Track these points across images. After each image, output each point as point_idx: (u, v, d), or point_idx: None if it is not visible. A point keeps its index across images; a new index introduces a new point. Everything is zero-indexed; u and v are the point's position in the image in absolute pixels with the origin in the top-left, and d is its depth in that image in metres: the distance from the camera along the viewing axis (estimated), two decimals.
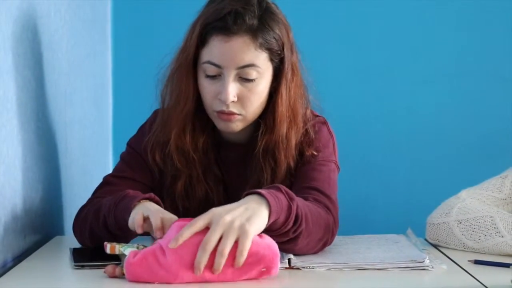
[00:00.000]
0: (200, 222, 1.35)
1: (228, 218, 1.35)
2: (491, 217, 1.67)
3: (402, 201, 2.66)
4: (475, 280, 1.43)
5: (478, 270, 1.51)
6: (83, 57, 2.30)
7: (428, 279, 1.47)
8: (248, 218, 1.36)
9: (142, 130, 1.77)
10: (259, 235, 1.38)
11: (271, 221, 1.41)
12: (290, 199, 1.47)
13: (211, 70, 1.62)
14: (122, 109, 2.77)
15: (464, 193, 1.76)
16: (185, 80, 1.66)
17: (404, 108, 2.77)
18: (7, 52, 1.54)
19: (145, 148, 1.72)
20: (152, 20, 2.75)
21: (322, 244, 1.59)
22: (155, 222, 1.44)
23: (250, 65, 1.61)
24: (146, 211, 1.48)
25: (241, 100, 1.63)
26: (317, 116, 1.77)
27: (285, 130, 1.68)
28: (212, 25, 1.61)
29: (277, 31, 1.64)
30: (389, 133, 2.75)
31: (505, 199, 1.76)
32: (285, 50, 1.65)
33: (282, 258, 1.45)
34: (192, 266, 1.32)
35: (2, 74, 1.51)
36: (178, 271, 1.32)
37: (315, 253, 1.59)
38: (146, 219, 1.47)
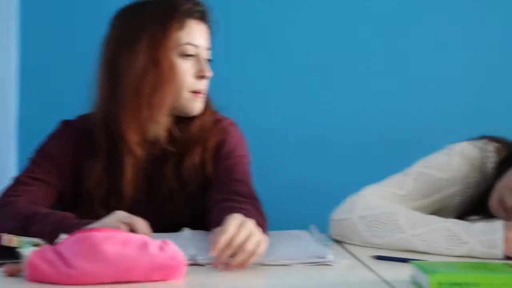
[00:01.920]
0: (232, 225, 1.47)
1: (252, 225, 1.50)
2: (392, 213, 1.71)
3: (306, 198, 2.67)
4: (376, 276, 1.46)
5: (379, 265, 1.54)
6: None
7: (330, 274, 1.49)
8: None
9: (53, 137, 1.83)
10: (163, 242, 1.39)
11: None
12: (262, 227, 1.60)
13: (192, 50, 1.80)
14: (28, 108, 2.67)
15: (366, 190, 1.80)
16: (168, 62, 1.78)
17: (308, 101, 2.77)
18: None
19: (60, 153, 1.79)
20: (61, 18, 2.67)
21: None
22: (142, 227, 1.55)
23: (210, 49, 1.84)
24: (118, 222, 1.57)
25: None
26: (226, 118, 1.91)
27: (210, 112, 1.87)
28: (193, 9, 1.81)
29: None
30: (296, 135, 2.75)
31: (406, 196, 1.80)
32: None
33: (185, 254, 1.46)
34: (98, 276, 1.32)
35: None
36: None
37: None
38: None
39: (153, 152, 1.83)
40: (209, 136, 1.85)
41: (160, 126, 1.82)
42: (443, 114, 2.76)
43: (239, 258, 1.45)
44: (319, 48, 2.77)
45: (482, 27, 2.79)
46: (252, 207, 1.69)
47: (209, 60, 1.82)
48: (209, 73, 1.80)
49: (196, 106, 1.81)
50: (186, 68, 1.79)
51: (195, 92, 1.80)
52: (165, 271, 1.36)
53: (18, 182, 1.75)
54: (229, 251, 1.44)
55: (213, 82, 1.84)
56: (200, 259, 1.50)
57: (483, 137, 1.88)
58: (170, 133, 1.84)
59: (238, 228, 1.47)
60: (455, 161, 1.83)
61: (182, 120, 1.83)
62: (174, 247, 1.38)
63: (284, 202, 2.57)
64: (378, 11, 2.76)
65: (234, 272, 1.45)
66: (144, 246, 1.35)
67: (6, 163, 2.58)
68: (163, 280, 1.36)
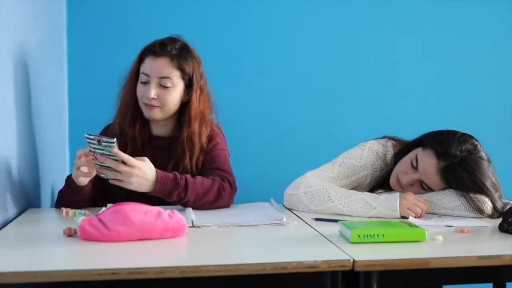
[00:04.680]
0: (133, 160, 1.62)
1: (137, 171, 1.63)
2: (325, 189, 1.78)
3: (267, 179, 2.54)
4: (316, 231, 1.53)
5: (318, 225, 1.60)
6: (49, 81, 2.22)
7: (285, 231, 1.54)
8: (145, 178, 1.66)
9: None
10: (172, 212, 1.43)
11: (155, 188, 1.68)
12: (179, 177, 1.69)
13: (144, 78, 1.87)
14: (76, 115, 2.51)
15: (308, 174, 1.87)
16: (130, 85, 1.89)
17: (270, 112, 2.56)
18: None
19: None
20: (104, 44, 2.45)
21: (218, 202, 1.76)
22: (77, 154, 1.70)
23: (166, 77, 1.85)
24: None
25: (160, 98, 1.87)
26: (213, 122, 1.99)
27: (197, 126, 1.88)
28: (148, 49, 1.88)
29: (189, 61, 1.89)
30: (259, 133, 2.57)
31: (335, 177, 1.85)
32: (194, 74, 1.89)
33: (186, 220, 1.52)
34: (129, 233, 1.37)
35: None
36: (121, 236, 1.38)
37: (214, 207, 1.76)
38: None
39: (160, 146, 1.92)
40: (199, 138, 1.86)
41: (160, 126, 1.90)
42: (357, 117, 2.58)
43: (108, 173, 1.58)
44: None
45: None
46: (217, 181, 1.76)
47: (165, 87, 1.81)
48: (149, 94, 1.83)
49: (148, 113, 1.88)
50: (140, 90, 1.86)
51: (145, 104, 1.87)
52: (174, 232, 1.41)
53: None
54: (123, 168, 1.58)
55: None
56: (197, 223, 1.56)
57: (384, 137, 1.91)
58: (170, 134, 1.92)
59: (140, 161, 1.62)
60: (366, 153, 1.86)
61: (179, 126, 1.90)
62: (179, 215, 1.45)
63: (252, 183, 2.45)
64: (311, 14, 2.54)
65: (219, 231, 1.51)
66: (158, 214, 1.40)
67: (63, 158, 2.48)
68: (172, 237, 1.41)
